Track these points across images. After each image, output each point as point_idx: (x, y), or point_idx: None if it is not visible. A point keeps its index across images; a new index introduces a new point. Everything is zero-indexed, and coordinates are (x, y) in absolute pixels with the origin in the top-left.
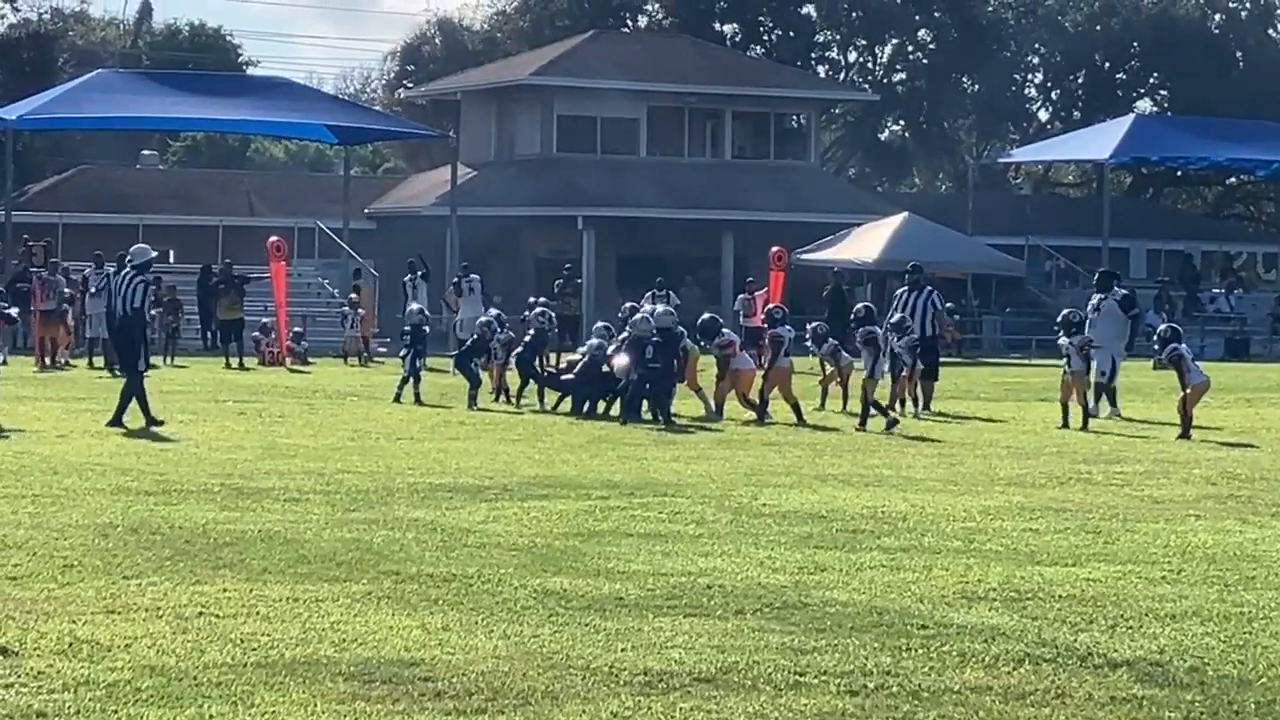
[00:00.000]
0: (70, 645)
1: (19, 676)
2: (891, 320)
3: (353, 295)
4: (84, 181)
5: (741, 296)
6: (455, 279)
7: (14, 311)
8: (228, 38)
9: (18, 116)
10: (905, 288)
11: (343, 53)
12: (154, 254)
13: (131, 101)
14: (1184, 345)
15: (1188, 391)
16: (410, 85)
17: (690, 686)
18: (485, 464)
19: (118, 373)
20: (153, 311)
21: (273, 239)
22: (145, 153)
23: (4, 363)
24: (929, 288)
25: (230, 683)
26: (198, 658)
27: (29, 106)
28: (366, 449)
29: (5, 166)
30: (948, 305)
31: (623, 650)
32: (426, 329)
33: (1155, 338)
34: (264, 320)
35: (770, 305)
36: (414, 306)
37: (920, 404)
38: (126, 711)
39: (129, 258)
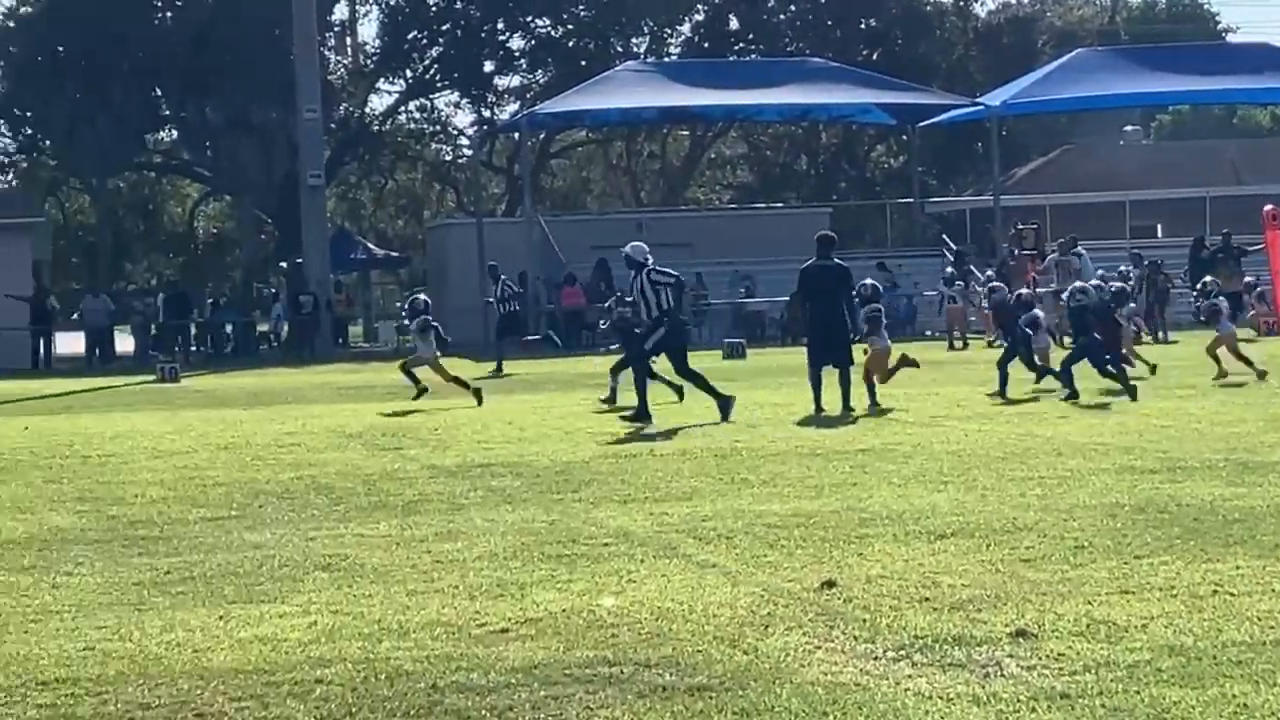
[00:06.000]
0: (1087, 626)
1: (1039, 658)
2: None
3: None
4: (1067, 161)
5: None
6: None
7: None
8: (1205, 6)
9: (1001, 102)
10: None
11: None
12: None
13: (1110, 79)
14: None
15: None
16: None
17: None
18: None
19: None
20: None
21: (1268, 208)
22: (1128, 129)
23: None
24: None
25: (1250, 661)
26: (1215, 637)
27: (1011, 91)
28: None
29: (991, 152)
30: None
31: None
32: None
33: None
34: (1260, 289)
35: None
36: None
37: None
38: (1148, 692)
39: None
